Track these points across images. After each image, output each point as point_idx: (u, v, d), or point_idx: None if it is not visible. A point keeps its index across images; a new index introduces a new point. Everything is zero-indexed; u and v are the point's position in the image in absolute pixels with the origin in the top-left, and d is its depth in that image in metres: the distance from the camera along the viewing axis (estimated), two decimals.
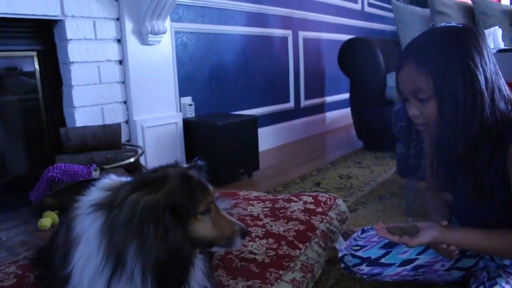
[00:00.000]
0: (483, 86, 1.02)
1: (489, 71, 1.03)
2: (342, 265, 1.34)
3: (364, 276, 1.31)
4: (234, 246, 1.02)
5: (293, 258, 1.39)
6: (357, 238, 1.36)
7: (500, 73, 1.08)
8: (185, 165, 1.04)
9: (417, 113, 1.11)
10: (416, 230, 1.11)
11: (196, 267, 1.00)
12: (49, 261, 1.13)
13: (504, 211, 1.10)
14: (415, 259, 1.27)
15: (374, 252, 1.29)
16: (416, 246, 1.11)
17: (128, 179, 1.07)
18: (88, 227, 0.96)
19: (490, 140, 1.04)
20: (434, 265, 1.28)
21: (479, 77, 1.02)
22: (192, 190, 0.95)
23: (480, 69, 1.02)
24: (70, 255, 0.97)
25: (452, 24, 1.10)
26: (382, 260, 1.28)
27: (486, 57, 1.04)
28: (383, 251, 1.29)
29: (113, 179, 1.08)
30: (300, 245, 1.44)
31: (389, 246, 1.29)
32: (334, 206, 1.64)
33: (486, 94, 1.02)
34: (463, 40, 1.03)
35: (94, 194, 1.03)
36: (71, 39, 2.35)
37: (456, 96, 1.02)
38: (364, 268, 1.29)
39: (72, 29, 2.35)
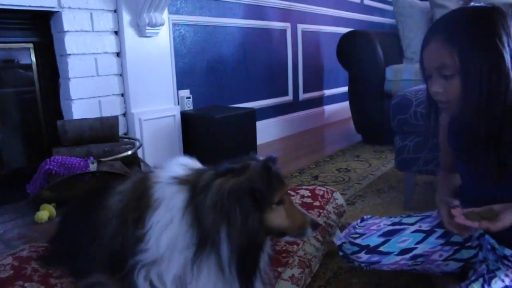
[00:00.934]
0: (509, 66, 1.02)
1: None
2: (341, 253, 1.34)
3: (363, 265, 1.31)
4: (305, 236, 1.08)
5: (291, 254, 1.39)
6: (356, 226, 1.35)
7: None
8: (261, 158, 1.08)
9: (440, 90, 1.11)
10: (493, 214, 1.07)
11: (265, 253, 1.07)
12: (88, 239, 1.12)
13: None
14: (413, 248, 1.27)
15: (373, 240, 1.29)
16: (500, 229, 1.06)
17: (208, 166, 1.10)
18: (171, 196, 0.99)
19: None
20: (433, 255, 1.27)
21: (505, 56, 1.02)
22: (270, 179, 1.00)
23: (507, 48, 1.02)
24: (145, 217, 0.99)
25: (482, 4, 1.09)
26: (381, 248, 1.27)
27: None
28: (382, 239, 1.28)
29: (191, 160, 1.12)
30: (298, 240, 1.44)
31: (389, 234, 1.29)
32: (331, 200, 1.64)
33: (511, 73, 1.03)
34: (491, 19, 1.04)
35: (173, 169, 1.06)
36: (68, 31, 2.34)
37: (481, 73, 1.02)
38: (363, 256, 1.29)
39: (69, 21, 2.33)
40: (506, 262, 1.16)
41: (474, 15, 1.06)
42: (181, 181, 1.01)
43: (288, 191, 1.07)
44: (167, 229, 0.97)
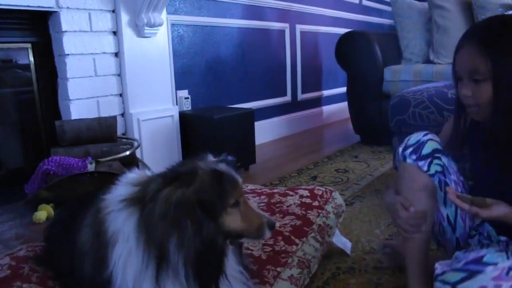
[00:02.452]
0: None
1: None
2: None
3: None
4: (263, 237, 1.05)
5: (290, 254, 1.38)
6: None
7: None
8: (213, 159, 1.05)
9: (469, 93, 1.12)
10: (485, 203, 1.11)
11: (229, 256, 1.03)
12: (69, 267, 1.10)
13: None
14: None
15: None
16: (486, 217, 1.11)
17: (155, 173, 1.06)
18: (123, 224, 0.96)
19: None
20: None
21: None
22: (221, 186, 0.96)
23: None
24: (107, 256, 0.96)
25: None
26: None
27: None
28: None
29: (137, 173, 1.08)
30: (297, 241, 1.43)
31: None
32: (330, 200, 1.63)
33: None
34: None
35: (121, 190, 1.03)
36: (66, 31, 2.33)
37: None
38: None
39: (67, 21, 2.33)
40: (500, 244, 1.20)
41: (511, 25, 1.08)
42: (129, 202, 0.97)
43: (244, 193, 1.02)
44: (128, 262, 0.94)
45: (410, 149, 1.27)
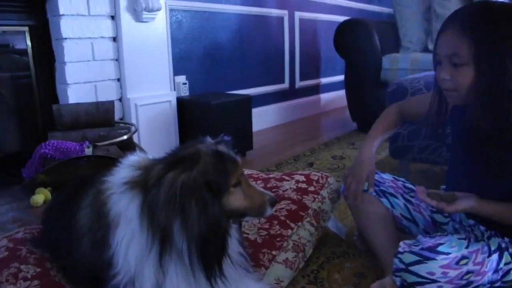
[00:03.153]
0: None
1: None
2: None
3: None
4: (265, 214, 1.07)
5: (285, 238, 1.40)
6: None
7: None
8: (212, 141, 1.06)
9: (447, 77, 1.13)
10: (454, 198, 1.17)
11: (232, 237, 1.05)
12: (67, 249, 1.12)
13: None
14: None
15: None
16: (452, 212, 1.20)
17: (157, 157, 1.07)
18: (126, 207, 0.97)
19: None
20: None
21: None
22: (224, 166, 0.98)
23: None
24: (108, 238, 0.97)
25: (507, 0, 1.11)
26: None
27: None
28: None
29: (140, 157, 1.09)
30: (292, 225, 1.45)
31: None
32: (326, 185, 1.65)
33: None
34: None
35: (123, 173, 1.04)
36: (63, 15, 2.32)
37: (499, 69, 1.05)
38: None
39: (64, 5, 2.31)
40: (468, 229, 1.29)
41: (497, 11, 1.08)
42: (132, 184, 0.98)
43: (243, 171, 1.04)
44: (131, 244, 0.95)
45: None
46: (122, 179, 1.01)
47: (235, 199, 1.00)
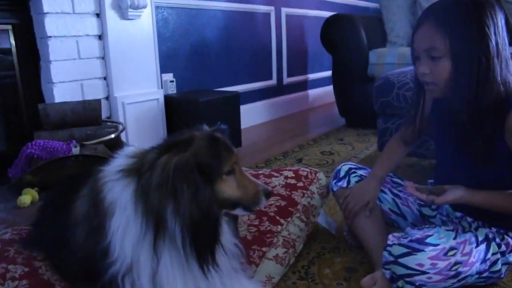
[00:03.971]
0: (495, 54, 1.10)
1: (501, 41, 1.11)
2: None
3: None
4: (259, 205, 1.05)
5: (275, 234, 1.40)
6: None
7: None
8: (208, 129, 1.06)
9: (427, 71, 1.17)
10: (443, 191, 1.19)
11: (226, 227, 1.05)
12: (60, 242, 1.11)
13: (506, 177, 1.19)
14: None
15: None
16: (442, 204, 1.23)
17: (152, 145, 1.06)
18: (120, 194, 0.97)
19: (498, 108, 1.11)
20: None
21: (492, 44, 1.09)
22: (218, 150, 0.97)
23: (493, 37, 1.09)
24: (104, 226, 0.96)
25: None
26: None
27: (500, 28, 1.11)
28: None
29: (136, 147, 1.08)
30: (282, 221, 1.45)
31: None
32: (315, 181, 1.65)
33: (496, 61, 1.10)
34: (482, 8, 1.11)
35: (118, 161, 1.03)
36: (48, 13, 2.29)
37: (471, 58, 1.09)
38: None
39: (48, 2, 2.28)
40: (455, 221, 1.33)
41: (467, 4, 1.12)
42: (127, 172, 0.98)
43: (237, 160, 1.03)
44: (126, 232, 0.94)
45: (333, 181, 1.53)
46: (117, 167, 1.01)
47: (228, 187, 0.99)
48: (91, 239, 1.00)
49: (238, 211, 1.05)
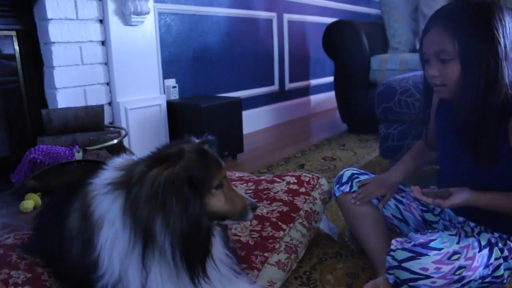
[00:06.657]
0: (503, 56, 1.11)
1: (509, 44, 1.12)
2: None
3: None
4: (245, 219, 1.07)
5: (277, 239, 1.40)
6: None
7: None
8: (197, 140, 1.06)
9: (436, 73, 1.18)
10: (449, 194, 1.19)
11: (216, 238, 1.05)
12: (59, 253, 1.12)
13: (510, 178, 1.19)
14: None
15: None
16: (449, 207, 1.21)
17: (140, 157, 1.07)
18: (109, 208, 0.97)
19: (503, 109, 1.12)
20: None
21: (501, 47, 1.10)
22: (207, 164, 0.98)
23: (502, 40, 1.10)
24: (93, 240, 0.97)
25: None
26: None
27: (508, 31, 1.12)
28: None
29: (124, 158, 1.09)
30: (284, 226, 1.45)
31: None
32: (317, 186, 1.65)
33: (505, 64, 1.11)
34: (491, 12, 1.12)
35: (107, 174, 1.03)
36: (51, 19, 2.31)
37: (480, 61, 1.10)
38: None
39: (52, 9, 2.30)
40: (458, 226, 1.32)
41: (476, 7, 1.14)
42: (115, 185, 0.98)
43: (226, 175, 1.04)
44: (114, 245, 0.95)
45: (336, 186, 1.50)
46: (106, 180, 1.01)
47: (217, 201, 1.00)
48: (84, 252, 1.01)
49: (226, 222, 1.07)
